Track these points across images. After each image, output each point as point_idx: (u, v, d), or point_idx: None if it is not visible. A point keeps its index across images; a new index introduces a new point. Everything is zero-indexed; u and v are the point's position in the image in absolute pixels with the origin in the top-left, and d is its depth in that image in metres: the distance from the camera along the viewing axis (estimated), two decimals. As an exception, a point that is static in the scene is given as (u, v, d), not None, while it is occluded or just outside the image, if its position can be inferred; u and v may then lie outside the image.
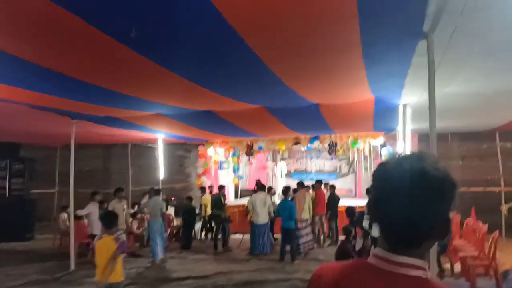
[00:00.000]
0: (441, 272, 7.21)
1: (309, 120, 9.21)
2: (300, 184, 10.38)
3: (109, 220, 4.98)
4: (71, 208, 9.10)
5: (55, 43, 4.21)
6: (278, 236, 10.63)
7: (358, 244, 6.99)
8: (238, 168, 15.59)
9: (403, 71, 5.56)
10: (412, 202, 0.99)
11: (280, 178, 15.76)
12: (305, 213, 9.83)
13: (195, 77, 5.64)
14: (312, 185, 11.31)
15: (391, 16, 3.82)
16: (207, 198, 11.78)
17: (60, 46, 4.30)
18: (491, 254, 6.64)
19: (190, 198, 11.74)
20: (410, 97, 7.06)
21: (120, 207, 8.99)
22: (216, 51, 4.59)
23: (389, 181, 1.03)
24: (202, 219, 12.10)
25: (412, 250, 1.04)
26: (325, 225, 10.95)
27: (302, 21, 3.72)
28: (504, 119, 9.36)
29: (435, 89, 6.04)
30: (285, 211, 9.20)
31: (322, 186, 11.23)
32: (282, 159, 16.49)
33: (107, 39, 3.93)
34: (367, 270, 1.07)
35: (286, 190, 9.80)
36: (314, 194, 10.72)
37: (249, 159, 15.27)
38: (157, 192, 10.04)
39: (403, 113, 7.55)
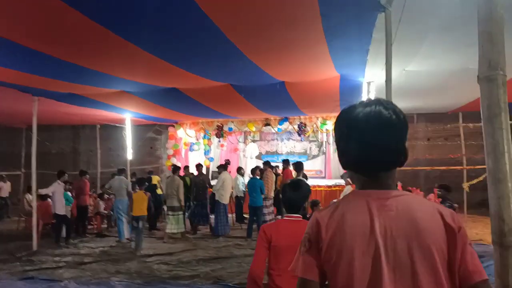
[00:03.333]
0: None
1: (276, 99, 9.22)
2: (267, 163, 10.47)
3: (141, 181, 8.72)
4: (33, 189, 8.92)
5: (5, 7, 4.06)
6: (246, 215, 10.70)
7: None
8: (209, 150, 15.54)
9: (365, 47, 5.60)
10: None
11: (250, 160, 15.81)
12: (272, 192, 9.93)
13: (156, 51, 5.55)
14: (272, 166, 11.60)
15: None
16: (156, 178, 11.91)
17: (12, 11, 4.15)
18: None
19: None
20: (374, 75, 7.15)
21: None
22: (176, 22, 4.53)
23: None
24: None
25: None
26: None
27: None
28: (466, 99, 9.59)
29: (396, 67, 6.12)
30: (254, 189, 9.24)
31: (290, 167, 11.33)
32: (253, 141, 16.52)
33: (65, 6, 3.82)
34: None
35: (254, 169, 9.85)
36: (282, 173, 10.82)
37: (219, 141, 15.23)
38: (121, 171, 9.88)
39: (367, 91, 7.65)
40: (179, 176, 10.17)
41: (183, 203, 9.35)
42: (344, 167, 1.30)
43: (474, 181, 10.71)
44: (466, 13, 4.61)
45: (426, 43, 5.62)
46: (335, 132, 1.32)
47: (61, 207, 8.68)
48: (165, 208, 12.36)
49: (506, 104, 1.73)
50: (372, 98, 6.80)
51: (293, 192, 2.67)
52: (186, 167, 10.96)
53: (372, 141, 1.19)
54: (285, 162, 10.95)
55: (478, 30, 1.88)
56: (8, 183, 13.54)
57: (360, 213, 1.18)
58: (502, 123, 1.69)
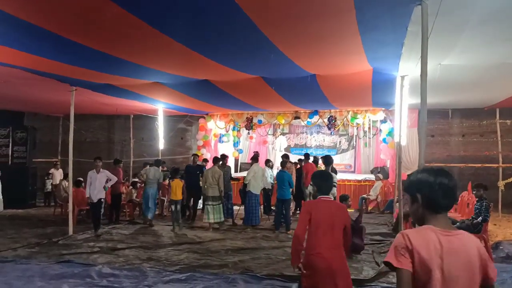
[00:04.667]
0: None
1: (307, 92, 9.19)
2: (286, 157, 10.53)
3: (176, 171, 9.90)
4: (70, 176, 9.22)
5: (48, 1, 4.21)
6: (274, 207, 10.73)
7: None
8: (238, 142, 15.63)
9: (399, 40, 5.51)
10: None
11: (279, 152, 15.80)
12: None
13: (190, 43, 5.63)
14: (299, 160, 11.83)
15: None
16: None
17: (53, 4, 4.30)
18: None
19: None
20: (408, 69, 7.03)
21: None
22: (209, 14, 4.58)
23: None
24: None
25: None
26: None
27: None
28: (504, 95, 9.29)
29: (432, 61, 5.97)
30: (282, 182, 9.27)
31: (320, 161, 11.26)
32: (282, 133, 16.51)
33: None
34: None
35: (284, 162, 9.86)
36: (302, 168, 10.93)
37: (248, 133, 15.30)
38: (157, 162, 10.43)
39: (401, 85, 7.52)
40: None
41: (222, 194, 9.50)
42: (423, 206, 1.88)
43: (510, 180, 10.44)
44: (504, 6, 4.50)
45: (463, 37, 5.47)
46: (417, 184, 1.91)
47: (92, 195, 8.79)
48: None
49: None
50: (406, 91, 6.63)
51: (324, 182, 3.73)
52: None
53: (443, 199, 1.85)
54: (306, 157, 10.99)
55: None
56: (60, 170, 13.80)
57: (433, 243, 1.78)
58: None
